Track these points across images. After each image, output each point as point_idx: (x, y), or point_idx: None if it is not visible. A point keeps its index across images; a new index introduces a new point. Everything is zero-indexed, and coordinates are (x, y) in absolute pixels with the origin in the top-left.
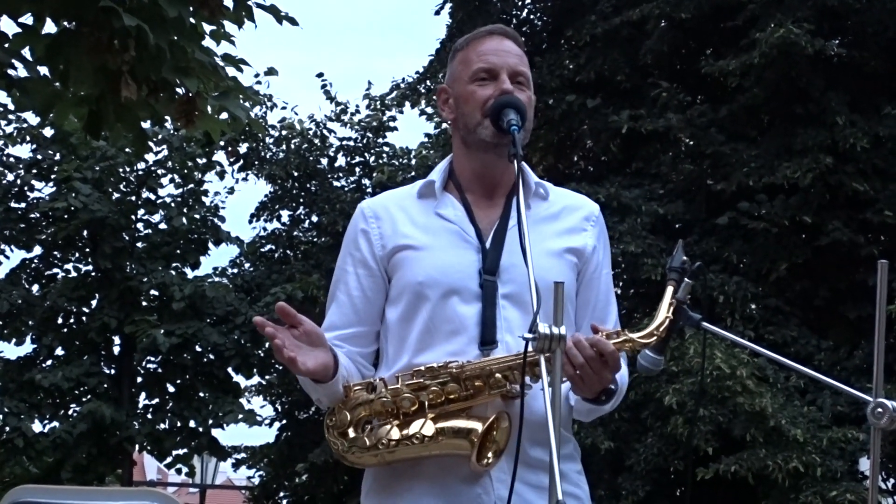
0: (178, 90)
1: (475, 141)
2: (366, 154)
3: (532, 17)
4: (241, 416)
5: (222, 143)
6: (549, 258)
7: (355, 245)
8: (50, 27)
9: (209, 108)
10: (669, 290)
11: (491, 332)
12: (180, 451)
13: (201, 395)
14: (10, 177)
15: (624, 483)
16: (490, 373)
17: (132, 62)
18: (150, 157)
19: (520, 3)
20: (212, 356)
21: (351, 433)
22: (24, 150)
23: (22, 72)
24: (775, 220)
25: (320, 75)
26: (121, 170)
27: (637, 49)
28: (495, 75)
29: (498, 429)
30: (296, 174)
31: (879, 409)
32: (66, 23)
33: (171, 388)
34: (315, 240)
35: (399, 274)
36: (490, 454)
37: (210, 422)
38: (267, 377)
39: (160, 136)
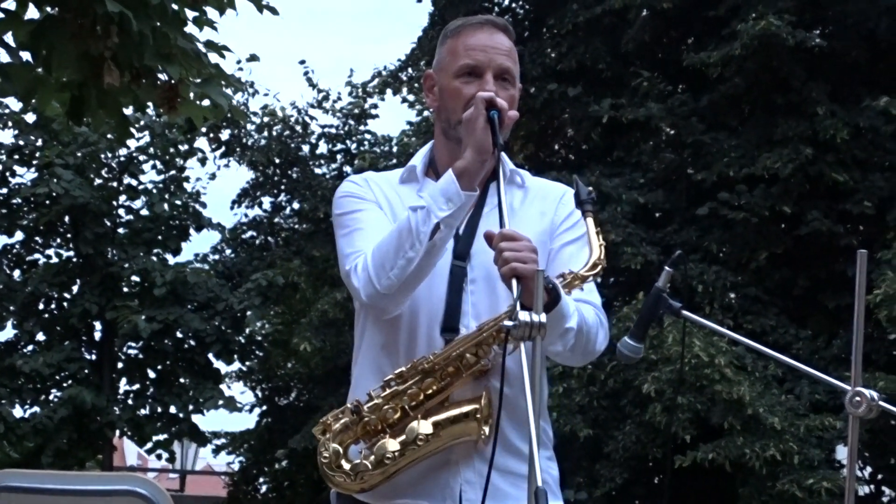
0: (161, 76)
1: (455, 137)
2: (347, 141)
3: (514, 5)
4: (221, 402)
5: (204, 130)
6: None
7: (358, 197)
8: (33, 13)
9: (191, 95)
10: (590, 220)
11: (454, 319)
12: (161, 437)
13: (182, 381)
14: None
15: (602, 470)
16: (460, 356)
17: (115, 48)
18: (132, 144)
19: None
20: (192, 342)
21: (345, 464)
22: (6, 136)
23: (4, 57)
24: (755, 209)
25: (302, 62)
26: (103, 156)
27: (618, 38)
28: (480, 73)
29: (486, 404)
30: (277, 161)
31: (857, 398)
32: (48, 8)
33: (151, 374)
34: (296, 226)
35: None
36: (486, 428)
37: (190, 408)
38: (247, 363)
39: (142, 123)
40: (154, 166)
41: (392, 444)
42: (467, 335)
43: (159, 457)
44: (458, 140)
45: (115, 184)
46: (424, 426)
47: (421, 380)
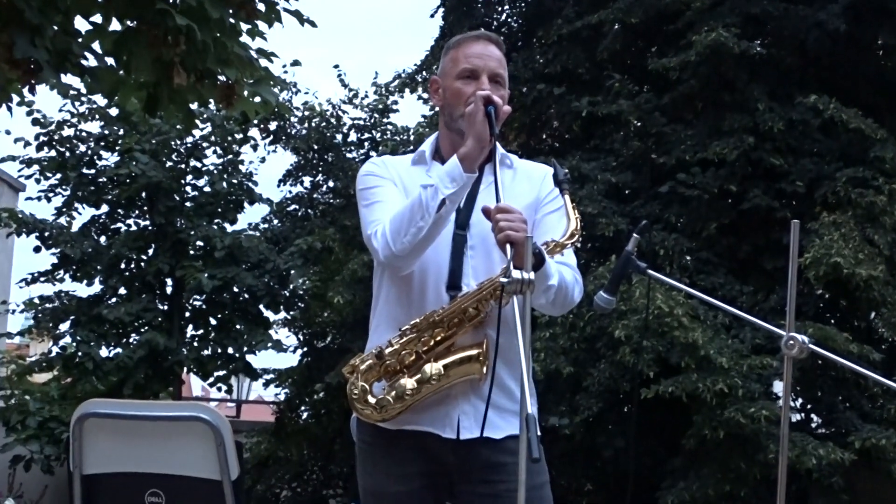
0: (220, 78)
1: (456, 129)
2: (373, 131)
3: (509, 19)
4: (270, 344)
5: (256, 122)
6: None
7: (378, 176)
8: (115, 25)
9: (245, 93)
10: (567, 197)
11: (456, 279)
12: (220, 373)
13: (238, 327)
14: (83, 148)
15: (581, 401)
16: (464, 309)
17: (183, 55)
18: (197, 133)
19: (499, 9)
20: (246, 295)
21: (371, 399)
22: (94, 126)
23: (92, 62)
24: (707, 188)
25: (336, 66)
26: (173, 143)
27: (595, 47)
28: (477, 76)
29: (486, 349)
30: (315, 147)
31: (791, 342)
32: (128, 22)
33: (213, 322)
34: (331, 201)
35: None
36: (484, 368)
37: (245, 349)
38: (291, 313)
39: (205, 116)
40: (215, 151)
41: (409, 383)
42: (469, 292)
43: (219, 389)
44: (459, 131)
45: (183, 166)
46: (436, 367)
47: (431, 329)
